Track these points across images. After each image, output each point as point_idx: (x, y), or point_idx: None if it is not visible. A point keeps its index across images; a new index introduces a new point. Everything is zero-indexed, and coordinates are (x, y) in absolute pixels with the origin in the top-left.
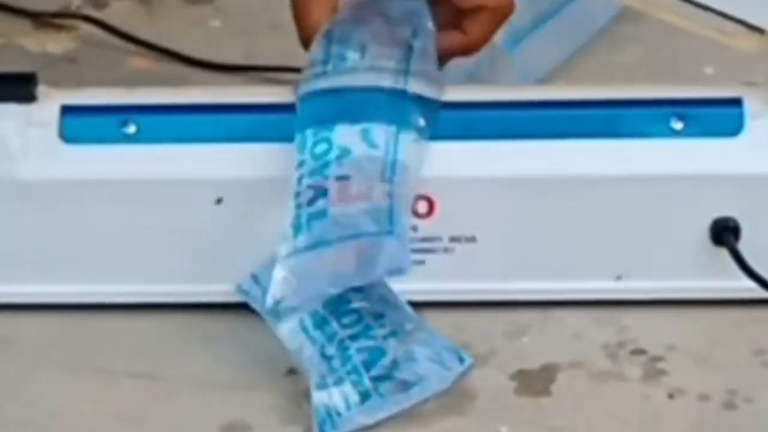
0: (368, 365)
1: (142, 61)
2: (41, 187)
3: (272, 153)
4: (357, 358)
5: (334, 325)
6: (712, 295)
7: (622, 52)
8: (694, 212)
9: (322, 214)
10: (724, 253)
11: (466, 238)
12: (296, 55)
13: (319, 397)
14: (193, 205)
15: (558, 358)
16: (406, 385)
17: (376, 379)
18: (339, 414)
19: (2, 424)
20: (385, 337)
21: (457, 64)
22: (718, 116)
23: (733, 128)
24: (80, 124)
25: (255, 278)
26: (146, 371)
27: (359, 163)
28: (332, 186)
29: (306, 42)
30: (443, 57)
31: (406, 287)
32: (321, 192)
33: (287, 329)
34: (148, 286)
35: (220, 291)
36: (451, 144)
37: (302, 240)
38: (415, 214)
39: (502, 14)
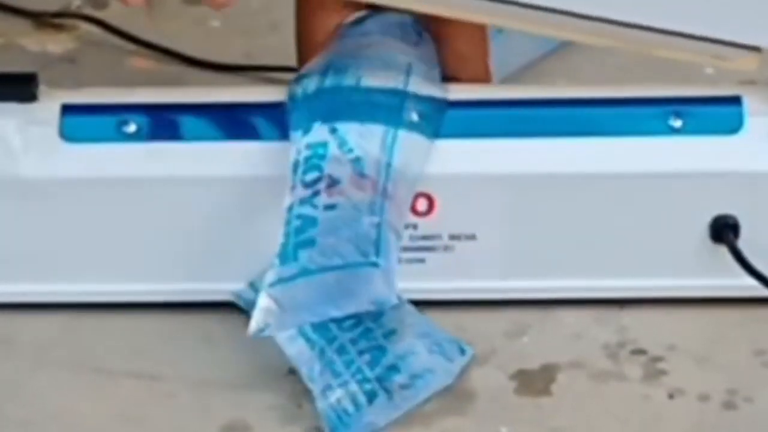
0: (372, 365)
1: (142, 61)
2: (41, 186)
3: (272, 152)
4: (360, 360)
5: (334, 329)
6: (712, 293)
7: (622, 52)
8: (693, 210)
9: (310, 242)
10: (723, 250)
11: (465, 236)
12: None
13: (325, 402)
14: (193, 205)
15: (558, 358)
16: (411, 378)
17: (381, 378)
18: (348, 414)
19: (2, 424)
20: (385, 336)
21: None
22: (717, 114)
23: (733, 126)
24: (80, 123)
25: (253, 286)
26: (146, 371)
27: (348, 190)
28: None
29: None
30: None
31: (406, 286)
32: (309, 221)
33: (285, 335)
34: (148, 286)
35: (220, 291)
36: (451, 142)
37: (287, 269)
38: (415, 212)
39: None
